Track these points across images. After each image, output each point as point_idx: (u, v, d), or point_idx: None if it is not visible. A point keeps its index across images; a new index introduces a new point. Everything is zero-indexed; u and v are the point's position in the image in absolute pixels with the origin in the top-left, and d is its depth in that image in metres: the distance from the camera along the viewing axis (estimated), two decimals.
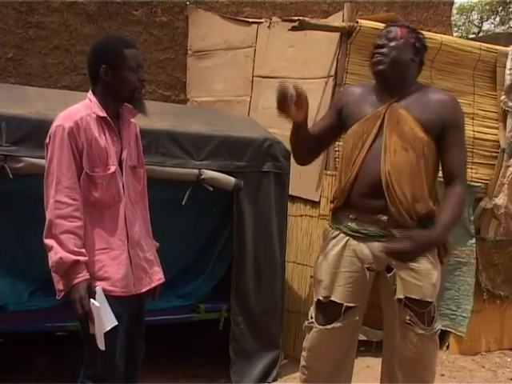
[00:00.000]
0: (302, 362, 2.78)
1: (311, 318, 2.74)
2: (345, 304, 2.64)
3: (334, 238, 2.70)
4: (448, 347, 4.79)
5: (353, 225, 2.65)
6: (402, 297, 2.57)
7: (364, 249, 2.62)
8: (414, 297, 2.55)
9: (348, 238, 2.66)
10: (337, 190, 2.74)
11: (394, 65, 2.60)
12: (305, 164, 2.94)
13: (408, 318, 2.56)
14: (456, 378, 4.32)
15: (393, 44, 2.62)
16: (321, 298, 2.69)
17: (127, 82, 2.48)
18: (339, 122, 2.77)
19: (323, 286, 2.69)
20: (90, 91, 2.55)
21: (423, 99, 2.63)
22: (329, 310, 2.67)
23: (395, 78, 2.63)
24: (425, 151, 2.57)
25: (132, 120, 2.63)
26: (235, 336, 3.90)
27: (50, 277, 2.47)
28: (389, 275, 2.61)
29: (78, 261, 2.35)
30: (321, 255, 2.75)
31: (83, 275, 2.36)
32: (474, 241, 4.67)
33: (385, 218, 2.57)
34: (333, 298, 2.66)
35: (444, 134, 2.59)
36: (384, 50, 2.62)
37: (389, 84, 2.65)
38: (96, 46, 2.57)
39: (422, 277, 2.56)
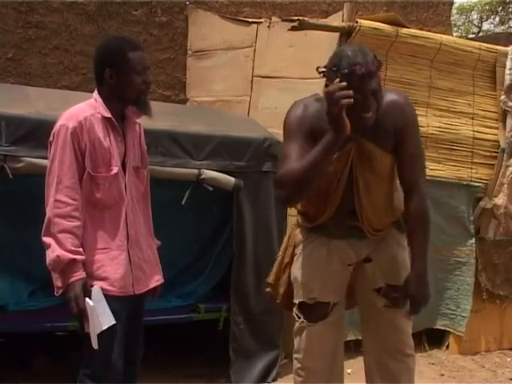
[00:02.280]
0: (297, 365, 2.74)
1: (299, 318, 2.71)
2: (332, 302, 2.68)
3: (312, 241, 2.69)
4: (448, 347, 4.79)
5: (332, 229, 2.67)
6: (381, 285, 2.66)
7: (345, 247, 2.67)
8: (392, 283, 2.65)
9: (328, 238, 2.67)
10: (314, 216, 2.68)
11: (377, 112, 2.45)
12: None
13: (383, 304, 2.67)
14: (456, 378, 4.32)
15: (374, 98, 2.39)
16: (306, 300, 2.67)
17: (132, 85, 2.48)
18: None
19: (309, 288, 2.67)
20: (96, 91, 2.55)
21: (379, 118, 2.47)
22: (315, 310, 2.67)
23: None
24: (393, 175, 2.62)
25: (137, 120, 2.64)
26: (235, 336, 3.90)
27: (49, 277, 2.48)
28: (366, 265, 2.70)
29: (75, 259, 2.36)
30: (300, 258, 2.71)
31: (79, 274, 2.38)
32: (473, 241, 4.68)
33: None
34: (321, 300, 2.66)
35: (397, 140, 2.55)
36: (371, 107, 2.39)
37: None
38: (100, 48, 2.56)
39: (401, 264, 2.67)
